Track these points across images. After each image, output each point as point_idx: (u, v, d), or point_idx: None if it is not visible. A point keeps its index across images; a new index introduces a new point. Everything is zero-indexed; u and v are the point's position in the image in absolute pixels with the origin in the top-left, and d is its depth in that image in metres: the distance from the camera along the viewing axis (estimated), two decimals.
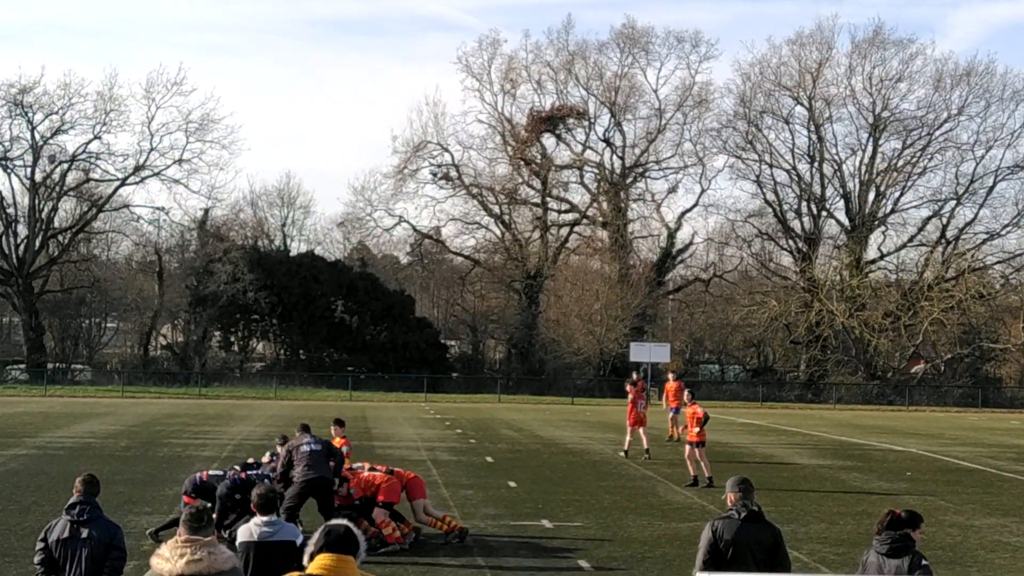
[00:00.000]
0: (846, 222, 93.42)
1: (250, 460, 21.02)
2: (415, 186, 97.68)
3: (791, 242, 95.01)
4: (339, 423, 22.80)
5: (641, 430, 36.44)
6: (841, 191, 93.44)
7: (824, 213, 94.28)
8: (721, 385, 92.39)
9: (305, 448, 18.99)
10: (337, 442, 21.73)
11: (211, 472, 20.19)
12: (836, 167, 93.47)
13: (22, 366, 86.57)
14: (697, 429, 29.05)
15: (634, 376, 42.15)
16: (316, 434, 19.85)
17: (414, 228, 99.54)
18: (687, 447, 29.46)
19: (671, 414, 42.77)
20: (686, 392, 34.14)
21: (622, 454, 36.11)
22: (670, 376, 46.76)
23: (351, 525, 7.60)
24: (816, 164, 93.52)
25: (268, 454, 21.86)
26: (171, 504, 22.34)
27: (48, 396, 71.08)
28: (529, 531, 21.12)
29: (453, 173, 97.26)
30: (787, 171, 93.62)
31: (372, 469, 20.06)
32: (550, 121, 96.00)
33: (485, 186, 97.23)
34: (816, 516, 23.89)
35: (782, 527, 11.39)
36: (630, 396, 37.63)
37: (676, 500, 25.98)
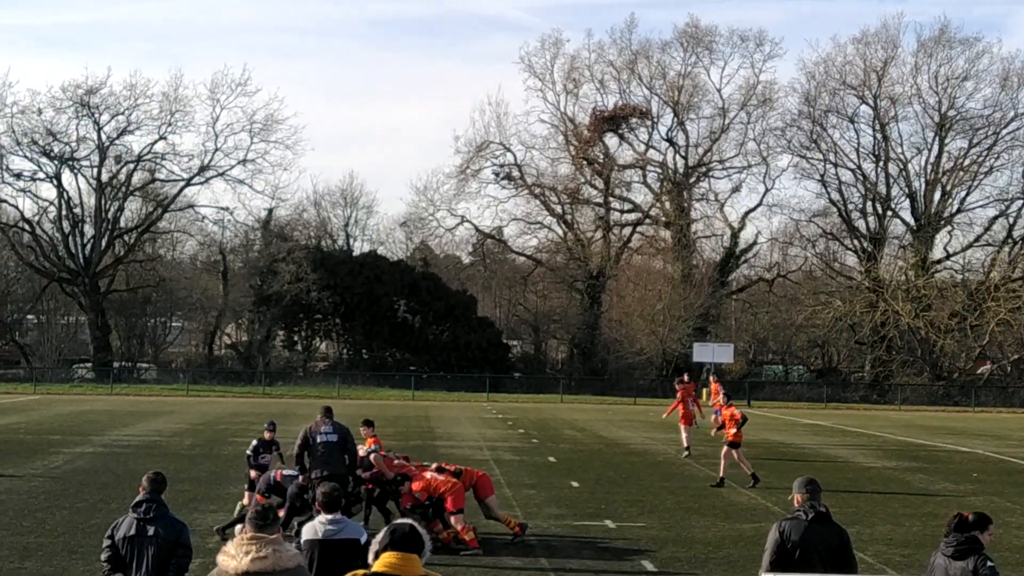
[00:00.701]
0: (912, 222, 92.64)
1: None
2: (477, 186, 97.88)
3: (856, 242, 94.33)
4: (368, 424, 22.53)
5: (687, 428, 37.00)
6: (907, 190, 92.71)
7: (889, 213, 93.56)
8: (785, 386, 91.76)
9: (321, 438, 18.84)
10: (367, 443, 21.74)
11: (285, 472, 20.28)
12: (902, 166, 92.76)
13: (88, 365, 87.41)
14: (734, 430, 29.01)
15: (686, 377, 42.34)
16: (338, 421, 19.71)
17: (476, 228, 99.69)
18: (724, 447, 29.40)
19: (715, 415, 42.88)
20: (721, 395, 34.32)
21: (684, 455, 36.15)
22: (712, 377, 47.13)
23: (416, 524, 7.62)
24: (881, 163, 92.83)
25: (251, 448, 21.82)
26: (236, 502, 22.48)
27: (114, 395, 71.75)
28: (592, 531, 21.08)
29: (515, 173, 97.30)
30: (852, 170, 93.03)
31: (440, 470, 19.98)
32: (613, 121, 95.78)
33: (547, 186, 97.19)
34: (881, 517, 23.71)
35: (847, 528, 11.30)
36: (679, 395, 38.02)
37: (740, 501, 25.86)
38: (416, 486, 19.32)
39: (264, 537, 8.23)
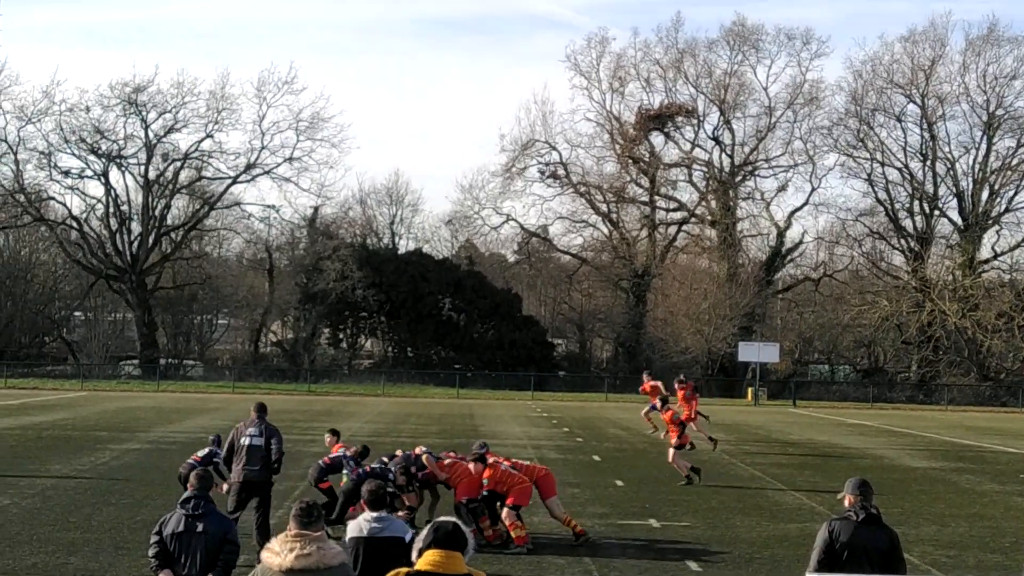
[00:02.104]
0: (959, 221, 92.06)
1: (385, 457, 21.04)
2: (523, 184, 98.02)
3: (903, 241, 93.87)
4: (333, 433, 22.15)
5: (693, 426, 37.11)
6: (954, 190, 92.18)
7: (937, 212, 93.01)
8: (831, 386, 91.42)
9: (245, 441, 18.12)
10: (332, 450, 21.45)
11: (332, 456, 20.32)
12: (949, 165, 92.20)
13: (135, 361, 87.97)
14: (676, 436, 28.98)
15: (683, 376, 42.54)
16: (270, 421, 18.56)
17: (521, 226, 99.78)
18: (672, 451, 29.21)
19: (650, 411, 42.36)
20: (658, 398, 34.25)
21: (689, 448, 36.71)
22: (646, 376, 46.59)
23: (459, 522, 7.63)
24: (929, 162, 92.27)
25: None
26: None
27: (160, 391, 72.08)
28: (636, 531, 21.03)
29: (561, 171, 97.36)
30: (899, 169, 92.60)
31: (514, 468, 19.82)
32: (658, 119, 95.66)
33: (593, 184, 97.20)
34: (927, 518, 23.55)
35: (894, 529, 11.24)
36: (680, 395, 38.33)
37: (785, 501, 25.75)
38: (488, 473, 19.16)
39: (308, 534, 8.25)
